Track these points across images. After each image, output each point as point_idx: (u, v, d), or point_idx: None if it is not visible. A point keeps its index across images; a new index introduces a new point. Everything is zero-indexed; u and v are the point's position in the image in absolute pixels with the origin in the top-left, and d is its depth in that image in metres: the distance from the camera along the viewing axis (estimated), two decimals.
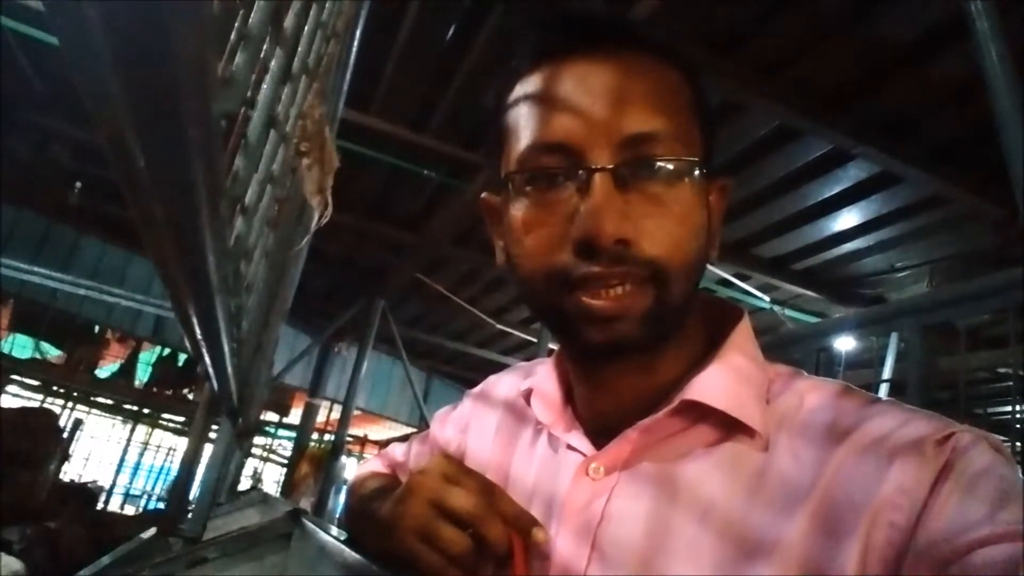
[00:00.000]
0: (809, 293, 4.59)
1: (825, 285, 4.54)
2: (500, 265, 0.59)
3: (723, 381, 0.51)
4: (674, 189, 0.50)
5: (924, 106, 2.84)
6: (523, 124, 0.53)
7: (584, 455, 0.56)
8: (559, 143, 0.50)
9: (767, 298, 4.72)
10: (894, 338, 3.77)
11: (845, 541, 0.42)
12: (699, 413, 0.51)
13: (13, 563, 2.24)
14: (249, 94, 0.41)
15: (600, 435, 0.56)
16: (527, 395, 0.64)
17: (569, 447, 0.58)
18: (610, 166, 0.49)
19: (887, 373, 3.80)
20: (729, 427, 0.50)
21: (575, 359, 0.58)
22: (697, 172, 0.51)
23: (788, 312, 4.85)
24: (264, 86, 0.41)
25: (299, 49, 0.49)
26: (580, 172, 0.49)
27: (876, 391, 3.48)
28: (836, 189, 3.53)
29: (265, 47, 0.37)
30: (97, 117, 0.27)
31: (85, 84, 0.25)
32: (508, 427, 0.67)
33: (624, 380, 0.55)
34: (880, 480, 0.43)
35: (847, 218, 3.77)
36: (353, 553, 0.67)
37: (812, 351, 2.20)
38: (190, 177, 0.28)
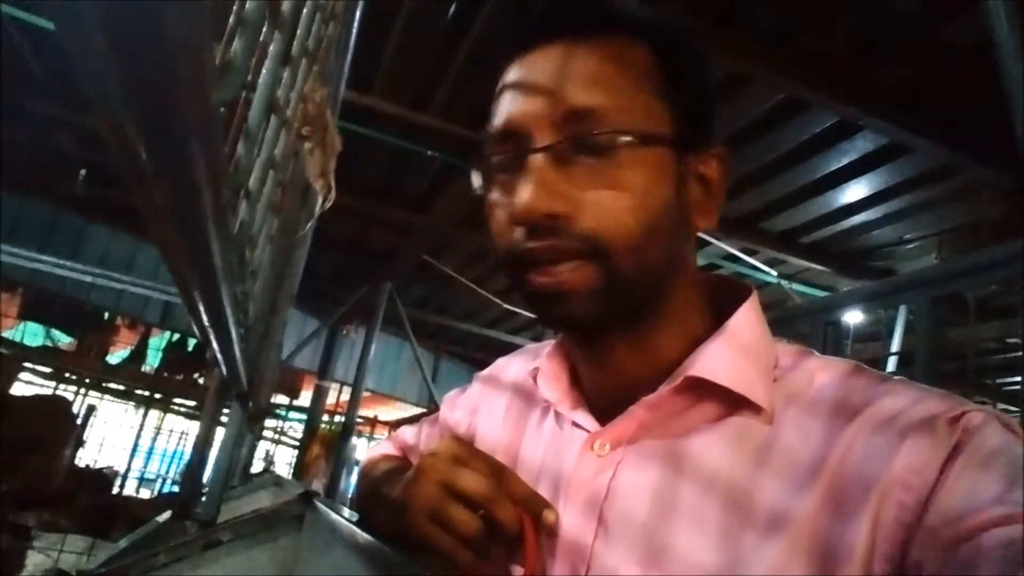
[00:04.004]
0: (817, 267, 4.56)
1: (833, 258, 4.51)
2: None
3: (728, 358, 0.51)
4: (617, 162, 0.50)
5: (932, 76, 2.80)
6: (492, 115, 0.55)
7: (589, 432, 0.56)
8: (506, 131, 0.52)
9: (774, 272, 4.71)
10: (903, 310, 3.75)
11: (854, 518, 0.42)
12: (704, 389, 0.51)
13: (45, 561, 2.28)
14: (249, 78, 0.40)
15: (605, 413, 0.56)
16: (535, 375, 0.64)
17: (575, 424, 0.58)
18: (547, 144, 0.50)
19: (896, 346, 3.79)
20: (734, 403, 0.51)
21: (568, 336, 0.60)
22: (650, 145, 0.50)
23: (795, 286, 4.84)
24: (264, 71, 0.40)
25: (298, 32, 0.48)
26: (521, 154, 0.51)
27: (885, 364, 3.48)
28: (844, 161, 3.50)
29: (264, 31, 0.37)
30: (97, 107, 0.27)
31: (84, 75, 0.24)
32: (517, 408, 0.68)
33: (619, 356, 0.55)
34: (891, 458, 0.43)
35: (855, 190, 3.74)
36: (364, 534, 0.67)
37: (820, 325, 2.19)
38: (191, 165, 0.27)
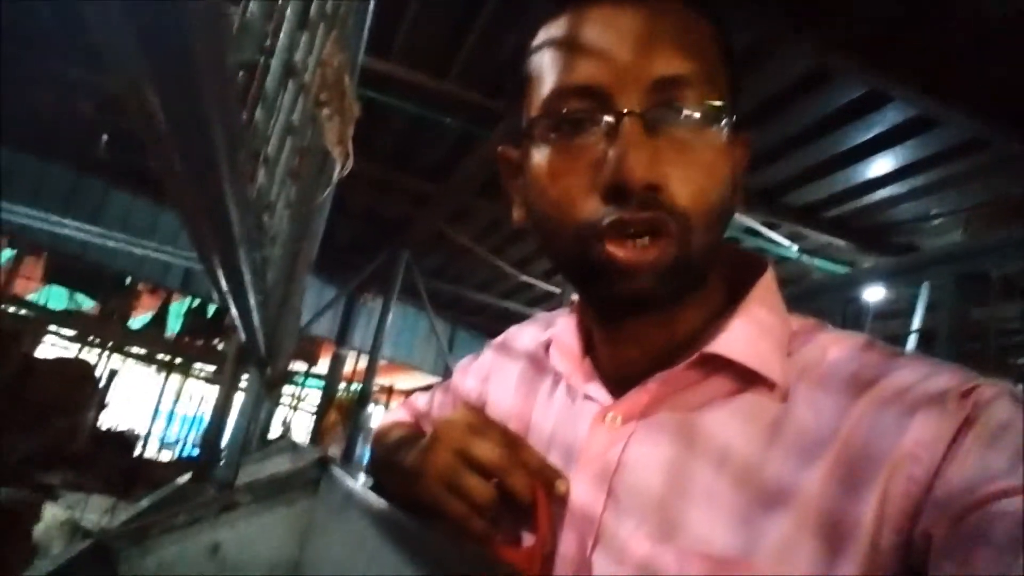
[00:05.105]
0: (839, 242, 4.50)
1: (856, 233, 4.45)
2: (517, 221, 0.58)
3: (744, 334, 0.51)
4: (703, 136, 0.49)
5: (964, 46, 2.73)
6: (547, 70, 0.51)
7: (601, 405, 0.56)
8: (586, 86, 0.49)
9: (795, 247, 4.66)
10: (925, 287, 3.70)
11: (863, 492, 0.42)
12: (719, 365, 0.51)
13: (61, 514, 2.34)
14: (267, 43, 0.40)
15: (618, 386, 0.56)
16: (547, 346, 0.64)
17: (587, 397, 0.58)
18: (639, 110, 0.47)
19: (917, 323, 3.75)
20: (748, 379, 0.50)
21: (596, 311, 0.58)
22: (725, 120, 0.49)
23: (817, 261, 4.78)
24: (281, 35, 0.40)
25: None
26: (608, 116, 0.48)
27: (905, 342, 3.45)
28: (870, 134, 3.43)
29: None
30: (115, 71, 0.27)
31: (101, 41, 0.24)
32: (528, 377, 0.68)
33: (645, 332, 0.55)
34: (900, 433, 0.42)
35: (881, 164, 3.67)
36: (378, 499, 0.68)
37: (840, 302, 2.17)
38: (208, 130, 0.27)
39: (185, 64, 0.22)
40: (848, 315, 2.16)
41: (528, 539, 0.56)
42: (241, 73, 0.37)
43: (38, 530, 2.20)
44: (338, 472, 0.95)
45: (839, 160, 3.71)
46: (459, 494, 0.55)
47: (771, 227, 4.47)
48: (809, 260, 4.72)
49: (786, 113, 3.34)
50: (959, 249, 1.98)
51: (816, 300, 2.21)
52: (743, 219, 4.25)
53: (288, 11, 0.39)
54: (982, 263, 1.76)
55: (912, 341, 3.08)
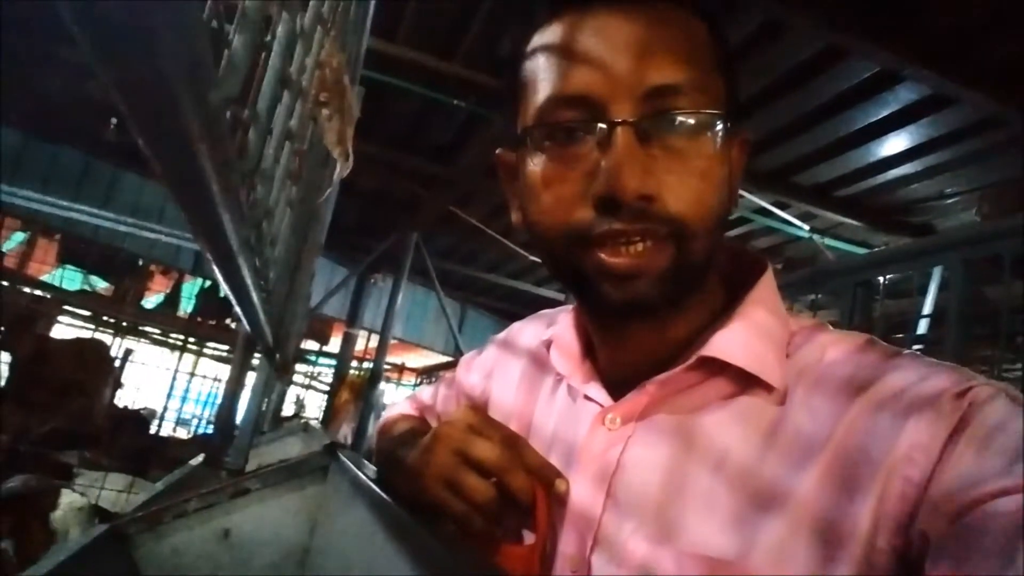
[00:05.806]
0: (851, 221, 4.45)
1: (869, 213, 4.40)
2: (516, 224, 0.59)
3: (743, 337, 0.51)
4: (697, 143, 0.49)
5: (978, 23, 2.67)
6: (541, 77, 0.52)
7: (601, 406, 0.56)
8: (579, 96, 0.49)
9: (806, 227, 4.61)
10: (938, 270, 3.66)
11: (859, 495, 0.43)
12: (717, 367, 0.51)
13: (78, 500, 2.38)
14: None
15: (617, 387, 0.56)
16: (548, 345, 0.65)
17: (586, 398, 0.58)
18: (632, 119, 0.47)
19: (929, 302, 3.71)
20: (746, 382, 0.51)
21: (593, 315, 0.58)
22: (720, 126, 0.49)
23: (828, 241, 4.74)
24: (273, 53, 0.39)
25: (311, 1, 0.47)
26: (601, 126, 0.48)
27: (916, 323, 3.42)
28: (884, 112, 3.37)
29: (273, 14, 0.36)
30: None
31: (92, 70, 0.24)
32: (530, 376, 0.68)
33: (642, 336, 0.55)
34: (896, 435, 0.43)
35: (895, 143, 3.62)
36: (382, 494, 0.69)
37: (850, 286, 2.15)
38: (194, 164, 0.27)
39: (168, 110, 0.23)
40: (858, 298, 2.14)
41: (528, 538, 0.56)
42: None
43: (55, 516, 2.24)
44: (346, 460, 0.97)
45: (851, 139, 3.67)
46: (459, 493, 0.56)
47: (783, 207, 4.43)
48: (820, 240, 4.68)
49: (798, 92, 3.29)
50: (972, 233, 1.95)
51: (825, 284, 2.19)
52: (754, 199, 4.21)
53: (279, 31, 0.39)
54: (996, 247, 1.73)
55: (923, 326, 3.05)
